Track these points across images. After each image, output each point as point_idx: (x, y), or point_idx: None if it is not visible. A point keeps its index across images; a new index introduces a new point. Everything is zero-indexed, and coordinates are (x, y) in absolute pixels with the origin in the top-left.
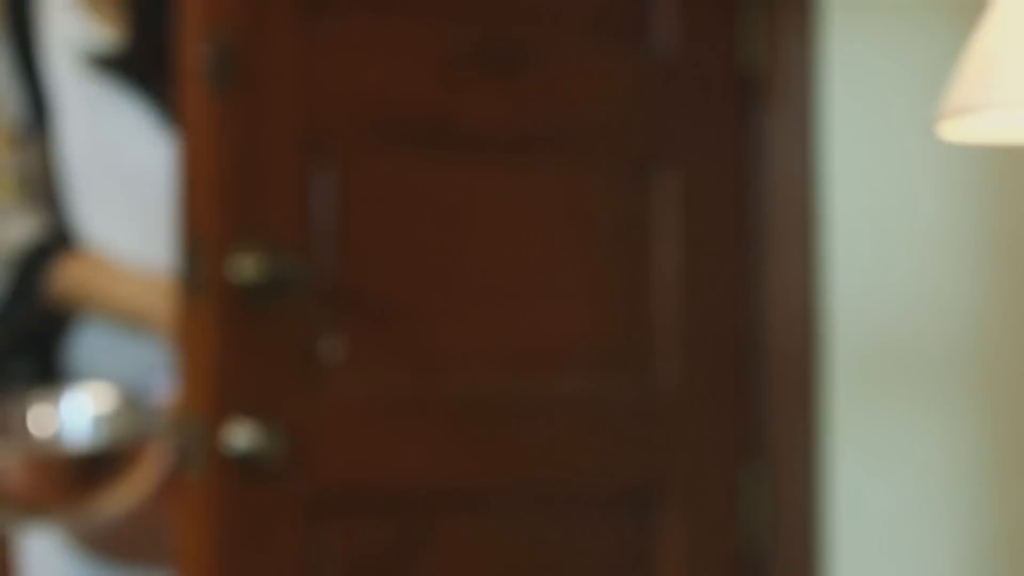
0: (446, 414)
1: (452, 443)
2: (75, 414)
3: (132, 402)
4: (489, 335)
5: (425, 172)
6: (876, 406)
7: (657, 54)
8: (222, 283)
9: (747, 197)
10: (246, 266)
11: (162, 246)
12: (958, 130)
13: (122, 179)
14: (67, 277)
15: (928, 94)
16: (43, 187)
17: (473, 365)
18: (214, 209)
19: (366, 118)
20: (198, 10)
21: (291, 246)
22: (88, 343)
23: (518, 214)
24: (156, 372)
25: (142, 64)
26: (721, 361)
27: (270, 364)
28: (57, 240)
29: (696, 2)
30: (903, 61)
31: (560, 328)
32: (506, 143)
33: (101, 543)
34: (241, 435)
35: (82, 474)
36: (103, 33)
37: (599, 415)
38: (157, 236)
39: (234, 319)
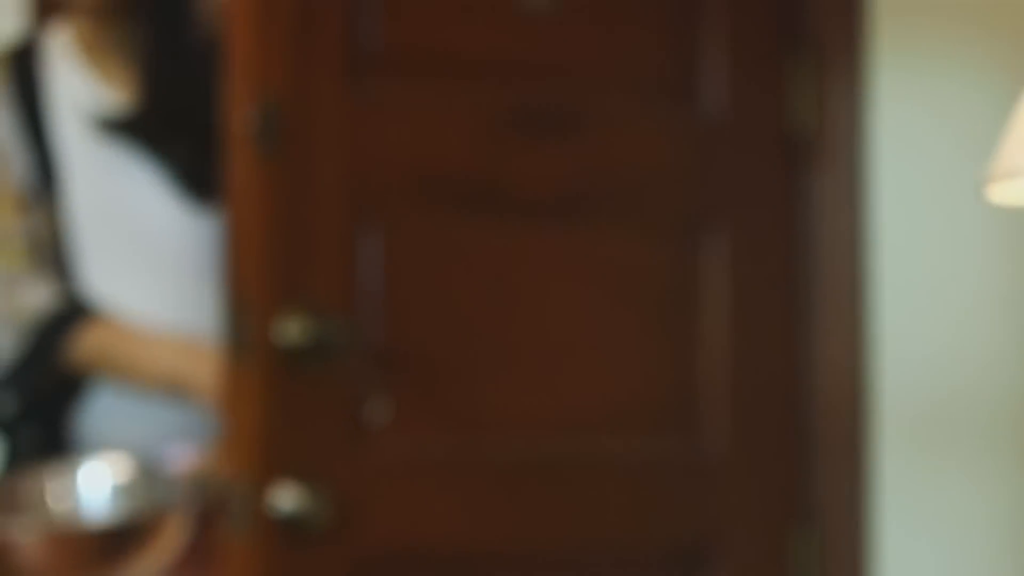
0: (492, 476)
1: (499, 505)
2: (93, 486)
3: (150, 472)
4: (536, 397)
5: (472, 234)
6: (923, 468)
7: (706, 115)
8: (267, 346)
9: (796, 259)
10: (291, 329)
11: (173, 307)
12: (1006, 193)
13: (132, 241)
14: (88, 343)
15: (977, 156)
16: (52, 251)
17: (519, 427)
18: (260, 272)
19: (412, 180)
20: (244, 74)
21: (337, 309)
22: (99, 409)
23: (565, 275)
24: (170, 439)
25: (150, 127)
26: (769, 423)
27: (316, 426)
28: (75, 307)
29: (745, 63)
30: (952, 123)
31: (608, 389)
32: (553, 205)
33: None
34: (286, 498)
35: (102, 547)
36: (110, 96)
37: (647, 477)
38: (168, 297)
39: (279, 381)
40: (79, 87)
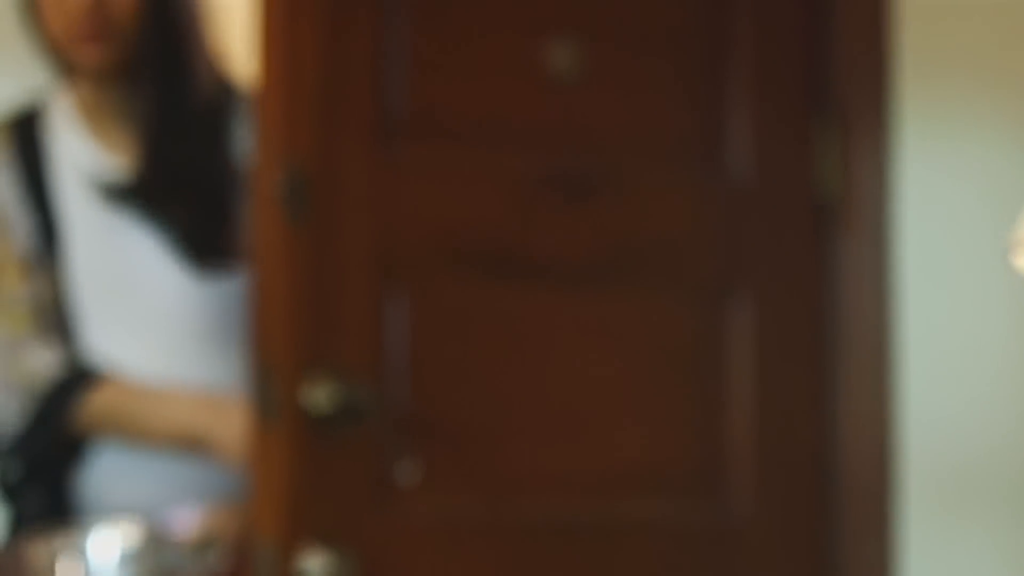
0: (520, 539)
1: (526, 568)
2: (101, 553)
3: (159, 537)
4: (562, 460)
5: (499, 298)
6: (949, 532)
7: (733, 180)
8: (295, 410)
9: (822, 322)
10: (318, 393)
11: (177, 368)
12: None
13: (135, 303)
14: (97, 406)
15: (1003, 219)
16: (55, 315)
17: (546, 490)
18: (286, 337)
19: (438, 245)
20: (272, 138)
21: (364, 373)
22: (103, 470)
23: (592, 339)
24: (177, 498)
25: (150, 192)
26: (796, 486)
27: (343, 490)
28: (81, 371)
29: (772, 128)
30: (977, 188)
31: (634, 453)
32: (579, 268)
33: None
34: (314, 561)
35: None
36: (111, 160)
37: (674, 540)
38: (172, 358)
39: (307, 445)
40: (80, 151)
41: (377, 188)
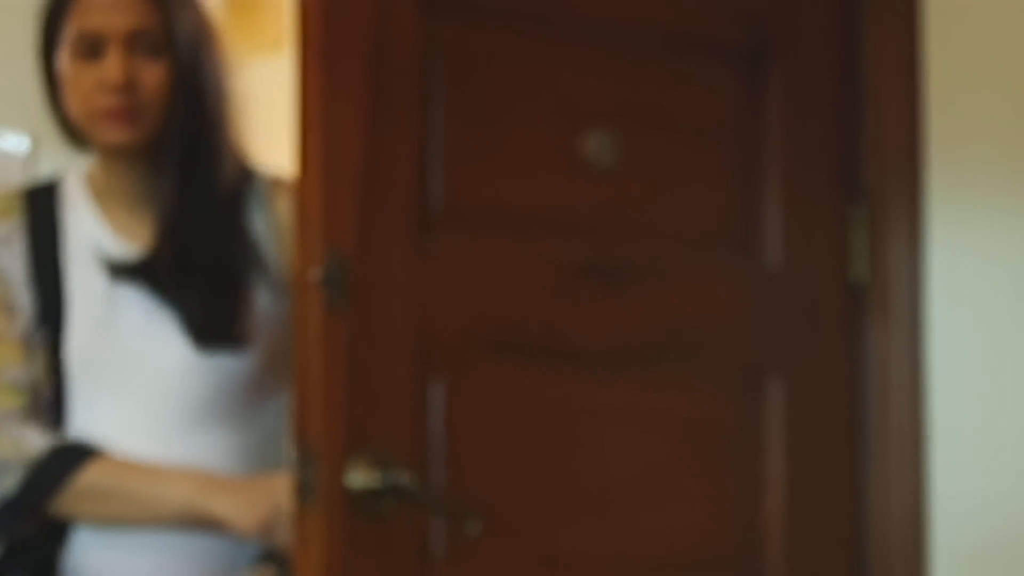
0: None
1: None
2: None
3: None
4: (599, 542)
5: (535, 384)
6: None
7: (766, 266)
8: (335, 492)
9: (854, 407)
10: (359, 477)
11: (173, 448)
12: None
13: (133, 381)
14: (90, 480)
15: None
16: (51, 391)
17: (583, 571)
18: (327, 421)
19: (477, 332)
20: (313, 225)
21: (404, 457)
22: (87, 550)
23: (627, 424)
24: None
25: (161, 272)
26: (829, 567)
27: (383, 572)
28: (75, 446)
29: (804, 216)
30: (1008, 272)
31: (669, 536)
32: (615, 355)
33: None
34: None
35: None
36: (123, 238)
37: None
38: (168, 439)
39: (346, 526)
40: (91, 226)
41: (417, 275)
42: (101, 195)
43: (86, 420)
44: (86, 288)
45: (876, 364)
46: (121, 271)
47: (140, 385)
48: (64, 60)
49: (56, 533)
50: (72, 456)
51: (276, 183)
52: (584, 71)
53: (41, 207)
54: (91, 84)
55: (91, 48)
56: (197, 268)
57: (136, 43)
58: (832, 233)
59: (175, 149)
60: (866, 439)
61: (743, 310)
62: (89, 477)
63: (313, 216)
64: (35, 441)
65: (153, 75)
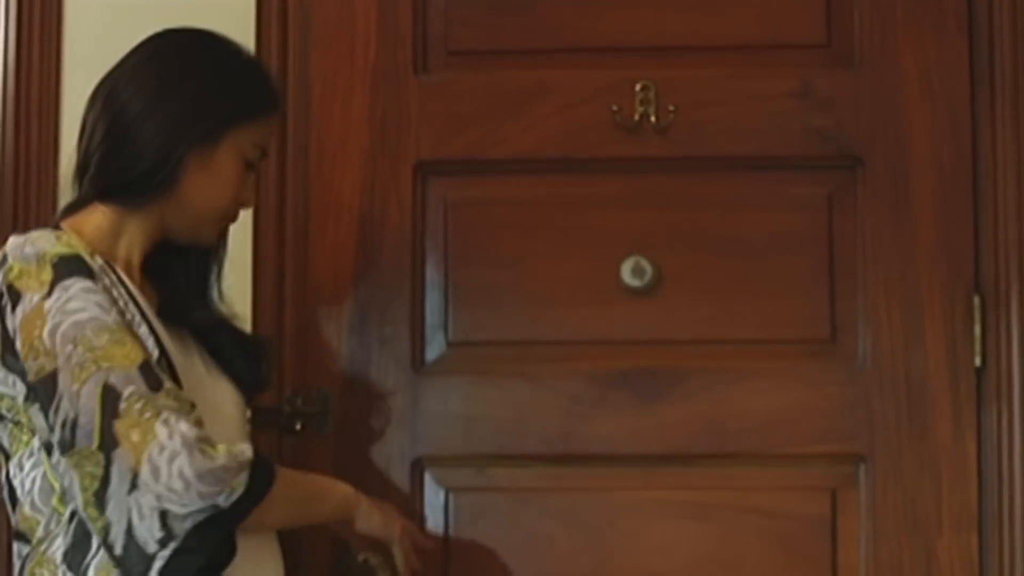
0: None
1: None
2: None
3: None
4: None
5: (573, 495)
6: None
7: (854, 361)
8: None
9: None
10: None
11: None
12: None
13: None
14: (284, 484)
15: None
16: None
17: None
18: None
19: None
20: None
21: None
22: None
23: (682, 523)
24: None
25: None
26: None
27: None
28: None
29: (897, 309)
30: None
31: None
32: (664, 461)
33: None
34: None
35: None
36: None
37: None
38: None
39: None
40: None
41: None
42: (118, 258)
43: None
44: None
45: (992, 448)
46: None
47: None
48: (232, 153)
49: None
50: (268, 461)
51: None
52: (628, 204)
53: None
54: (235, 193)
55: (251, 162)
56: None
57: None
58: (936, 324)
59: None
60: (985, 523)
61: (823, 405)
62: (283, 481)
63: None
64: (245, 448)
65: None
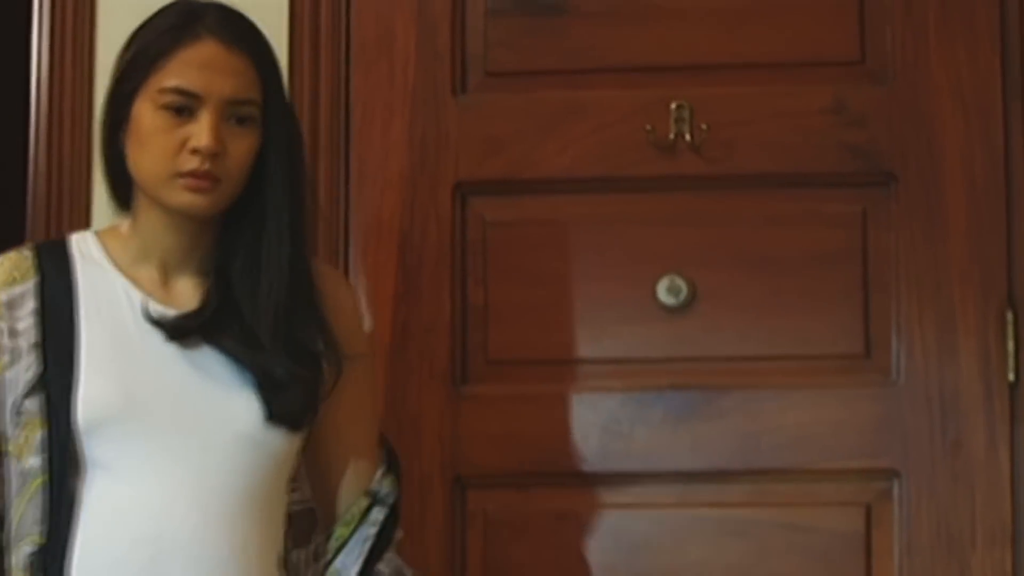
0: None
1: None
2: None
3: None
4: None
5: (612, 509)
6: None
7: (890, 376)
8: None
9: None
10: None
11: (223, 536)
12: None
13: (187, 445)
14: None
15: None
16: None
17: None
18: None
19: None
20: None
21: None
22: None
23: (724, 540)
24: None
25: (204, 324)
26: None
27: None
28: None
29: (932, 324)
30: None
31: None
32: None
33: None
34: None
35: None
36: (160, 306)
37: None
38: (223, 525)
39: None
40: (121, 286)
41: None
42: (128, 256)
43: (105, 490)
44: (114, 347)
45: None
46: (162, 325)
47: (192, 453)
48: (145, 112)
49: None
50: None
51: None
52: (663, 222)
53: (54, 265)
54: (176, 143)
55: (182, 107)
56: (234, 315)
57: (228, 111)
58: (970, 339)
59: (234, 220)
60: (1019, 538)
61: (857, 420)
62: None
63: None
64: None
65: (241, 146)
